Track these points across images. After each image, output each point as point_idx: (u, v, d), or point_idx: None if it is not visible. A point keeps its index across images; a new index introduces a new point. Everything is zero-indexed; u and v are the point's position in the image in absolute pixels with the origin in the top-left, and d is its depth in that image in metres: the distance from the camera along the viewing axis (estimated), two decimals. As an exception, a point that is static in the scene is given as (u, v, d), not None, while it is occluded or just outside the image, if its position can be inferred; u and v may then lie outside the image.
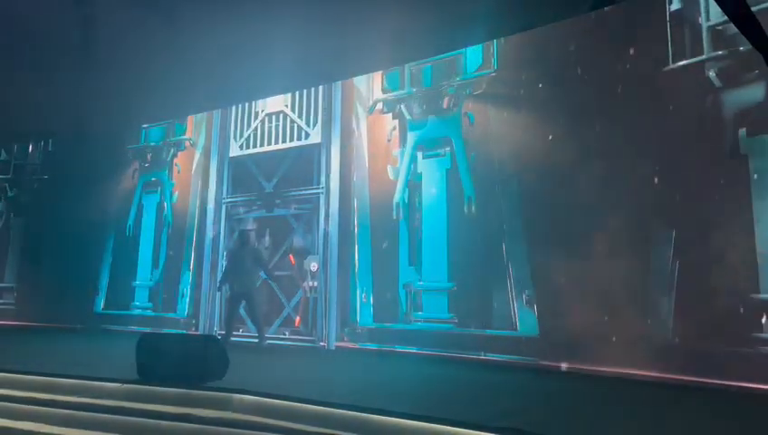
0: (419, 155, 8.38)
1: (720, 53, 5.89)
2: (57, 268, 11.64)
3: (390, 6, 6.16)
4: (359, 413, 4.20)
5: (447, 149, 8.09)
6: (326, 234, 9.13)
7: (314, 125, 9.60)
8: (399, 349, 8.01)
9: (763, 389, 5.16)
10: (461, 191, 7.84)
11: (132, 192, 11.61)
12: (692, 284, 5.79)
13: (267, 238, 10.11)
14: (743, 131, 5.65)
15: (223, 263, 10.01)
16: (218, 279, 9.68)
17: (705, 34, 6.03)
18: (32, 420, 5.05)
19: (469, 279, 7.58)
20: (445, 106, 8.20)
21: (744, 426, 4.29)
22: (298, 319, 9.42)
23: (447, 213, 7.95)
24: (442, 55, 8.21)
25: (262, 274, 9.46)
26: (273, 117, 10.10)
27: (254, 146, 10.26)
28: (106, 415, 4.92)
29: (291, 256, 9.76)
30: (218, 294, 9.94)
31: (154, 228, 11.22)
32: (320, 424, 4.26)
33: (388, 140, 8.75)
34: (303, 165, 9.67)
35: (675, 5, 6.34)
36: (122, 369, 5.55)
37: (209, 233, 10.25)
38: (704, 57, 5.99)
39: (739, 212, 5.58)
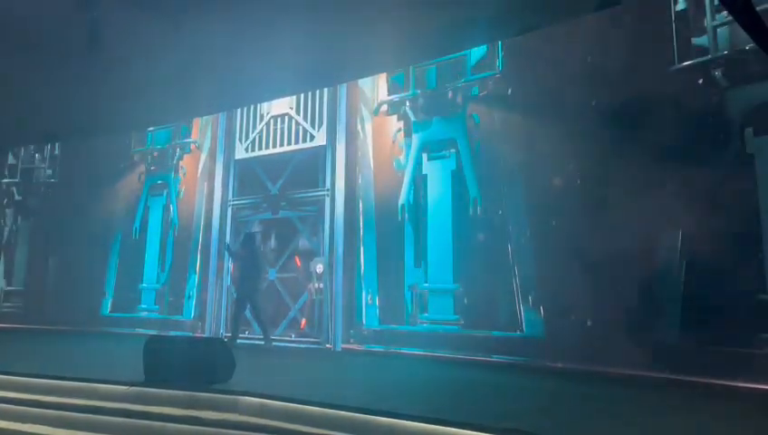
0: (424, 156, 8.38)
1: (725, 52, 5.87)
2: (64, 271, 11.71)
3: (394, 9, 6.15)
4: (365, 415, 4.19)
5: (452, 150, 8.09)
6: (332, 236, 9.14)
7: (319, 127, 9.61)
8: (405, 350, 8.01)
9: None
10: (466, 192, 7.83)
11: (138, 195, 11.65)
12: (699, 285, 5.76)
13: (273, 240, 10.14)
14: (749, 131, 5.63)
15: (229, 265, 10.04)
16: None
17: (710, 34, 6.00)
18: (38, 423, 5.07)
19: (475, 281, 7.58)
20: (450, 108, 8.20)
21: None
22: (304, 321, 9.44)
23: (453, 214, 7.94)
24: (447, 57, 8.21)
25: (270, 275, 9.51)
26: (279, 119, 10.12)
27: (260, 148, 10.28)
28: (113, 417, 4.93)
29: (296, 257, 9.78)
30: (224, 295, 9.98)
31: (160, 231, 11.27)
32: (326, 426, 4.26)
33: (394, 142, 8.75)
34: (309, 167, 9.68)
35: (680, 5, 6.32)
36: (129, 371, 5.56)
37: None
38: (709, 57, 5.97)
39: (746, 211, 5.56)
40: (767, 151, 5.54)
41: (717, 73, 5.87)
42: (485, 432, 3.61)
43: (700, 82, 6.00)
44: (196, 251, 10.63)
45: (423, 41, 6.96)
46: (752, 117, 5.64)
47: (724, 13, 5.68)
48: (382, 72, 8.83)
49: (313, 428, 4.30)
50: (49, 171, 12.73)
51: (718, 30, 5.95)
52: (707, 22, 6.04)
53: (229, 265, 10.02)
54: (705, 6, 6.10)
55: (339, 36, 6.80)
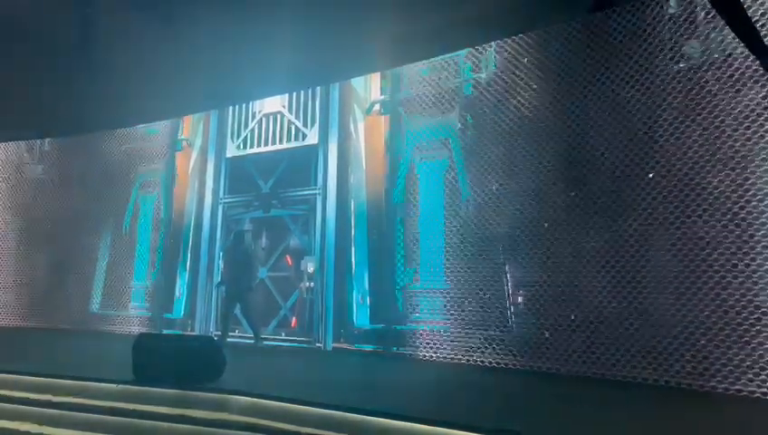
0: (417, 156, 8.39)
1: (716, 56, 5.91)
2: (53, 268, 11.60)
3: (389, 8, 6.15)
4: (356, 415, 4.20)
5: (445, 150, 8.09)
6: (323, 235, 9.13)
7: (312, 126, 9.60)
8: (396, 350, 8.01)
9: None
10: (458, 192, 7.84)
11: (129, 192, 11.58)
12: (695, 285, 5.80)
13: (264, 239, 10.11)
14: (740, 133, 5.67)
15: (220, 263, 10.01)
16: (217, 280, 9.73)
17: (702, 37, 6.04)
18: (27, 421, 5.04)
19: (466, 280, 7.58)
20: (442, 108, 8.20)
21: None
22: (294, 320, 9.42)
23: (444, 214, 7.95)
24: (440, 57, 8.21)
25: (260, 273, 9.48)
26: (271, 118, 10.09)
27: (252, 146, 10.25)
28: (102, 416, 4.91)
29: (288, 256, 9.77)
30: (214, 294, 9.94)
31: (150, 228, 11.20)
32: (317, 425, 4.26)
33: (386, 142, 8.75)
34: (301, 166, 9.66)
35: (672, 8, 6.35)
36: (118, 370, 5.53)
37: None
38: (701, 60, 6.01)
39: (737, 214, 5.60)
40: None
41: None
42: (477, 433, 3.62)
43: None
44: (187, 249, 10.58)
45: (418, 40, 6.96)
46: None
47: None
48: (376, 71, 8.82)
49: (304, 427, 4.30)
50: (39, 167, 12.62)
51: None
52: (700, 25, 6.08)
53: (220, 263, 9.98)
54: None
55: (333, 35, 6.79)
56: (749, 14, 3.42)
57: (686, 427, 4.30)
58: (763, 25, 5.51)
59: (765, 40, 3.87)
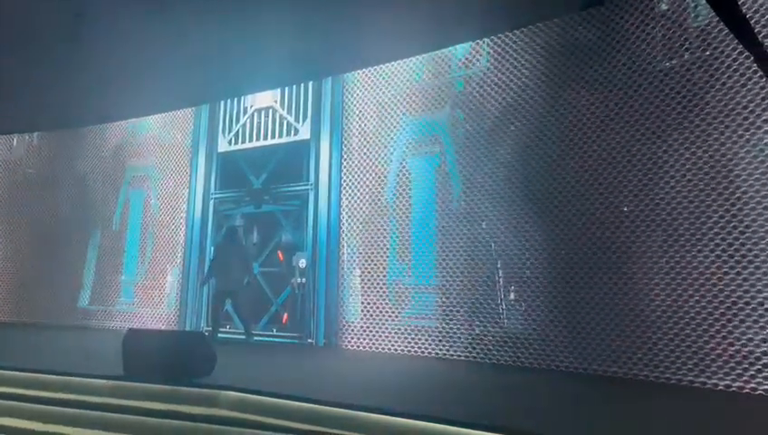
0: (409, 152, 8.37)
1: (708, 53, 5.93)
2: (41, 263, 11.50)
3: (382, 3, 6.13)
4: (346, 410, 4.18)
5: (437, 146, 8.08)
6: (315, 230, 9.10)
7: (304, 121, 9.55)
8: (387, 346, 8.01)
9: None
10: (450, 188, 7.84)
11: (119, 187, 11.49)
12: (684, 282, 5.82)
13: (255, 234, 10.07)
14: (731, 132, 5.70)
15: (210, 259, 9.95)
16: (204, 274, 9.66)
17: (694, 35, 6.06)
18: (15, 417, 4.99)
19: (458, 277, 7.58)
20: (435, 103, 8.19)
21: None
22: (286, 316, 9.39)
23: (436, 210, 7.94)
24: (433, 52, 8.18)
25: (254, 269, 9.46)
26: (263, 112, 10.04)
27: (243, 141, 10.19)
28: (91, 412, 4.87)
29: (279, 252, 9.72)
30: (205, 289, 9.88)
31: (140, 223, 11.12)
32: (308, 421, 4.24)
33: (379, 137, 8.72)
34: (293, 161, 9.62)
35: (663, 6, 6.36)
36: (108, 365, 5.49)
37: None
38: (693, 57, 6.02)
39: (726, 214, 5.63)
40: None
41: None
42: (481, 432, 3.61)
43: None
44: (177, 244, 10.52)
45: (412, 35, 6.95)
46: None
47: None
48: (370, 66, 8.77)
49: (294, 422, 4.28)
50: (27, 162, 12.49)
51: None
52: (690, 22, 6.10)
53: (210, 256, 9.91)
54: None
55: (326, 30, 6.77)
56: (746, 14, 3.42)
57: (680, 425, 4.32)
58: (763, 27, 5.53)
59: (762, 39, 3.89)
